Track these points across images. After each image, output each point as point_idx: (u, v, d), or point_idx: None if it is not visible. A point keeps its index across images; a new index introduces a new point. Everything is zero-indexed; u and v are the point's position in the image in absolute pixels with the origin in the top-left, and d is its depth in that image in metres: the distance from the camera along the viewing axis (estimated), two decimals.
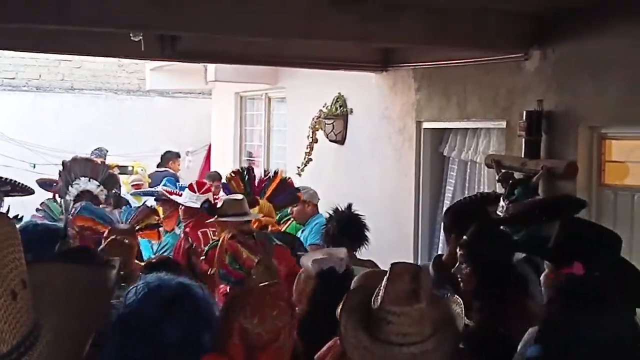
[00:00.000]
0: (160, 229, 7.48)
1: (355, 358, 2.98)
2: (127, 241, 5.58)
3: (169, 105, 16.75)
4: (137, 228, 6.63)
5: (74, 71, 16.40)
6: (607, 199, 6.41)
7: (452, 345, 3.04)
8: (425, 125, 8.55)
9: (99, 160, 9.35)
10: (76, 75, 16.44)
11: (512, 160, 6.93)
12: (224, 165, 13.12)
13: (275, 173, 7.96)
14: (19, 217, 6.82)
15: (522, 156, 6.78)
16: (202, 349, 3.00)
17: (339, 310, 3.19)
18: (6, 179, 7.44)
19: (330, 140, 9.93)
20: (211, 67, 11.74)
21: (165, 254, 7.60)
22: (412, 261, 8.29)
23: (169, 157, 13.40)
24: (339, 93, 9.87)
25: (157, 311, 2.93)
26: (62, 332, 2.02)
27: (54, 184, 8.65)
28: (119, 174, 11.64)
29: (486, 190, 7.08)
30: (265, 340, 3.07)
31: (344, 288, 4.00)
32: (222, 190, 7.95)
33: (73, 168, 8.11)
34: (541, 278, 4.18)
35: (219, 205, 6.94)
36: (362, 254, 6.23)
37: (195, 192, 7.84)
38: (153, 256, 6.14)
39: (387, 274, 3.04)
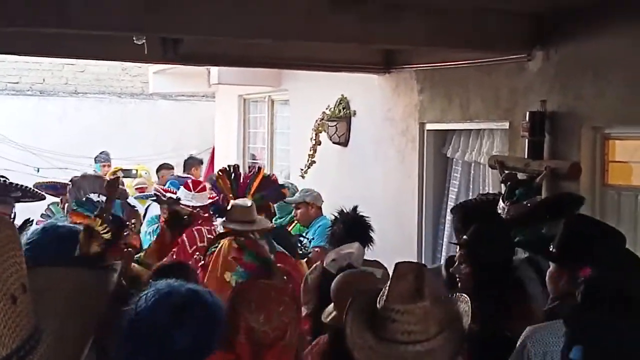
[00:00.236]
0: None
1: (362, 358, 2.98)
2: (129, 248, 5.58)
3: (172, 108, 16.77)
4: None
5: (78, 75, 16.42)
6: (611, 199, 6.40)
7: (458, 344, 3.04)
8: (429, 126, 8.55)
9: (107, 178, 9.35)
10: (80, 79, 16.47)
11: (515, 161, 6.93)
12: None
13: (259, 169, 7.98)
14: (30, 220, 6.83)
15: (526, 157, 6.78)
16: (212, 354, 3.00)
17: (345, 312, 3.19)
18: (17, 184, 7.45)
19: (334, 142, 9.92)
20: (214, 70, 11.75)
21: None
22: (415, 261, 8.30)
23: (192, 163, 13.28)
24: (342, 95, 9.87)
25: (167, 318, 2.93)
26: (63, 336, 2.02)
27: (58, 187, 8.63)
28: (123, 177, 11.64)
29: (491, 192, 7.06)
30: (272, 337, 3.07)
31: None
32: (212, 189, 7.96)
33: (82, 185, 8.09)
34: (546, 277, 4.17)
35: (228, 207, 6.92)
36: (366, 255, 6.24)
37: (190, 191, 7.85)
38: (165, 260, 6.11)
39: (392, 273, 3.05)
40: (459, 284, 4.57)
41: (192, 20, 6.03)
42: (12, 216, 7.03)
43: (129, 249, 5.57)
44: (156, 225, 8.51)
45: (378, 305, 2.99)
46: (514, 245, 5.00)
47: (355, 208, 6.53)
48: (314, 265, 5.82)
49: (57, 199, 8.78)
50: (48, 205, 8.78)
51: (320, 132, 10.20)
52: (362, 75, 9.26)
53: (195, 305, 3.00)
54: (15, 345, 1.83)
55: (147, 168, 13.80)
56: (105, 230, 5.74)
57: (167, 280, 3.15)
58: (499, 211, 6.06)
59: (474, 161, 8.07)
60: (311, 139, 10.35)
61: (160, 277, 3.49)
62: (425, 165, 8.64)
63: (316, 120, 10.21)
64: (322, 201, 8.75)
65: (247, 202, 6.89)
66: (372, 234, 6.41)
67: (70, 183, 8.11)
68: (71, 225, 5.00)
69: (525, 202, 5.94)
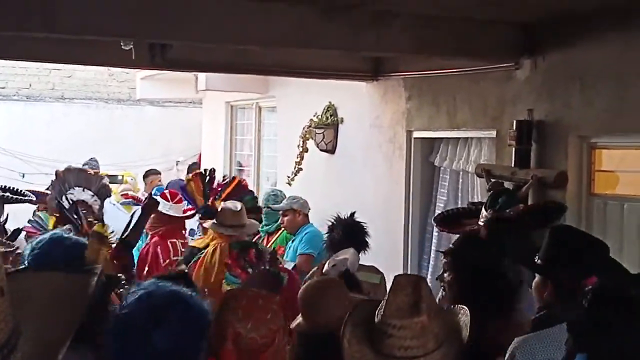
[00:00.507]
0: None
1: None
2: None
3: (159, 114, 16.73)
4: None
5: (65, 80, 16.36)
6: (597, 208, 6.41)
7: (457, 358, 3.03)
8: (416, 134, 8.55)
9: (91, 171, 9.29)
10: (67, 84, 16.41)
11: (502, 169, 6.94)
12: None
13: (233, 178, 8.01)
14: (20, 230, 6.81)
15: (513, 166, 6.79)
16: (196, 358, 2.98)
17: (343, 324, 3.18)
18: (4, 186, 7.44)
19: (321, 150, 9.92)
20: (202, 76, 11.72)
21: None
22: (401, 268, 8.32)
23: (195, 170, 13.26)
24: (330, 102, 9.87)
25: (146, 318, 2.92)
26: (40, 341, 2.01)
27: (40, 196, 8.57)
28: (109, 183, 11.61)
29: (481, 201, 7.06)
30: (260, 344, 3.06)
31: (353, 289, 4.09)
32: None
33: (67, 178, 8.06)
34: (533, 287, 4.17)
35: (219, 210, 6.91)
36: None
37: (168, 201, 7.84)
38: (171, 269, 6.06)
39: (390, 286, 3.04)
40: (445, 293, 4.58)
41: (180, 26, 6.01)
42: (5, 219, 7.01)
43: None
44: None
45: (376, 319, 2.97)
46: (503, 254, 5.00)
47: (352, 214, 6.60)
48: (311, 271, 5.85)
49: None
50: (34, 212, 8.73)
51: (308, 139, 10.20)
52: (350, 82, 9.26)
53: (175, 306, 2.98)
54: None
55: (134, 174, 13.77)
56: (112, 236, 5.74)
57: (154, 281, 3.14)
58: (481, 220, 6.07)
59: (462, 170, 8.07)
60: (298, 146, 10.35)
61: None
62: (412, 172, 8.65)
63: (304, 128, 10.21)
64: (309, 208, 8.74)
65: (237, 205, 6.88)
66: (368, 240, 6.47)
67: (55, 176, 8.09)
68: (78, 238, 5.00)
69: (507, 211, 5.96)
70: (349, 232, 6.38)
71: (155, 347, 2.87)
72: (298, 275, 6.52)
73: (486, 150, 7.67)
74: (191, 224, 8.64)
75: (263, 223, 8.94)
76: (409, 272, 8.39)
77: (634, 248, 5.99)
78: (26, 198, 7.84)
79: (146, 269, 7.24)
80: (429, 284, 5.11)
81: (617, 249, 5.74)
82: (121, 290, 3.65)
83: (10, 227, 6.85)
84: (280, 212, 8.74)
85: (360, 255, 6.25)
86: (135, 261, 7.35)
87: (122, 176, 13.66)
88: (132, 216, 9.67)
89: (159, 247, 7.46)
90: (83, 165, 12.76)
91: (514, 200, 6.17)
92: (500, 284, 4.63)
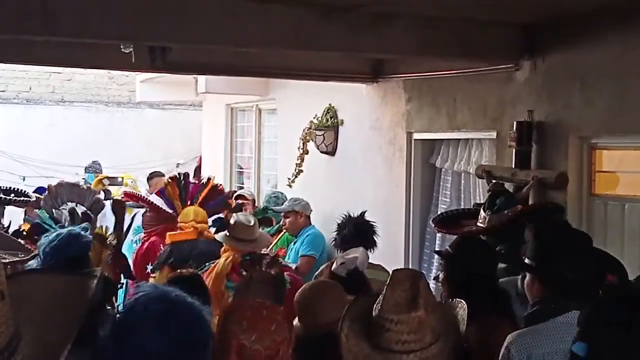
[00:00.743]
0: None
1: None
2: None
3: (159, 117, 16.75)
4: None
5: (65, 83, 16.40)
6: (598, 209, 6.41)
7: (454, 352, 3.04)
8: (416, 136, 8.55)
9: (85, 186, 9.30)
10: (66, 87, 16.44)
11: (502, 170, 6.93)
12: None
13: (208, 179, 8.02)
14: (21, 230, 6.81)
15: (513, 167, 6.79)
16: None
17: (341, 319, 3.19)
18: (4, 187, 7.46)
19: (321, 152, 9.92)
20: (202, 78, 11.73)
21: None
22: None
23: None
24: (330, 104, 9.87)
25: (142, 322, 2.91)
26: (40, 344, 2.01)
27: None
28: (109, 185, 11.62)
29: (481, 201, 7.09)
30: (264, 356, 3.06)
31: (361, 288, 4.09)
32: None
33: (59, 193, 8.04)
34: (525, 285, 4.17)
35: (231, 222, 6.87)
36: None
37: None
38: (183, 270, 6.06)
39: (388, 281, 3.05)
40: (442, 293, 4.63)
41: (180, 28, 6.01)
42: (8, 224, 7.02)
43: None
44: (141, 234, 8.49)
45: (373, 314, 2.99)
46: (497, 258, 5.02)
47: (363, 213, 6.81)
48: (320, 269, 5.87)
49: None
50: (35, 211, 8.73)
51: (308, 141, 10.20)
52: (350, 84, 9.27)
53: (173, 312, 2.97)
54: None
55: (134, 177, 13.78)
56: (112, 238, 5.77)
57: (155, 285, 3.13)
58: (480, 221, 6.07)
59: (464, 171, 8.07)
60: (299, 148, 10.35)
61: (172, 285, 3.50)
62: (413, 174, 8.64)
63: (304, 130, 10.21)
64: (311, 210, 8.76)
65: (251, 219, 6.84)
66: (376, 239, 6.69)
67: (47, 191, 8.08)
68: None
69: (506, 212, 5.96)
70: (359, 231, 6.56)
71: (152, 353, 2.86)
72: (300, 276, 6.55)
73: (487, 152, 7.66)
74: None
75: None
76: None
77: (635, 248, 5.98)
78: (21, 199, 7.85)
79: (148, 267, 7.25)
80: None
81: (618, 249, 5.75)
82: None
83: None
84: (282, 214, 8.75)
85: (369, 253, 6.32)
86: (131, 261, 7.39)
87: (122, 178, 13.66)
88: (132, 218, 9.71)
89: (161, 245, 7.47)
90: (86, 168, 12.80)
91: (512, 201, 6.17)
92: (494, 285, 4.66)
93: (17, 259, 4.14)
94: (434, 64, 7.76)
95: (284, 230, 8.91)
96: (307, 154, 10.29)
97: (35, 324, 2.02)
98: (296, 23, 6.17)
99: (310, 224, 8.76)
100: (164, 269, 6.93)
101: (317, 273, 5.82)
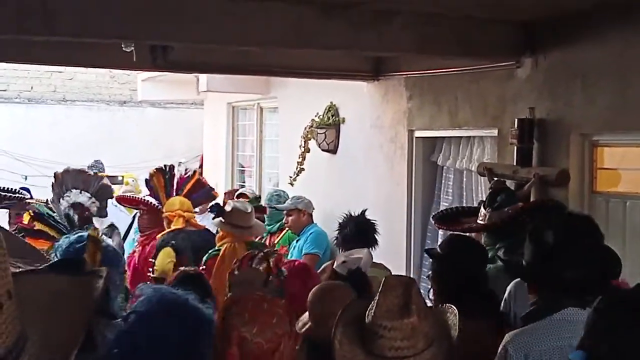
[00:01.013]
0: None
1: None
2: None
3: (161, 115, 16.76)
4: None
5: (66, 82, 16.41)
6: (600, 207, 6.40)
7: (447, 357, 3.05)
8: (417, 133, 8.55)
9: (91, 172, 9.32)
10: (68, 86, 16.46)
11: (504, 168, 6.93)
12: (217, 175, 13.10)
13: (194, 172, 8.10)
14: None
15: (514, 164, 6.78)
16: None
17: (334, 324, 3.19)
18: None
19: (323, 150, 9.92)
20: (203, 77, 11.73)
21: None
22: (404, 269, 8.32)
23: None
24: (331, 102, 9.87)
25: (151, 323, 2.94)
26: (47, 344, 2.01)
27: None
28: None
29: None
30: (265, 349, 3.06)
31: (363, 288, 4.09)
32: (146, 186, 8.10)
33: (65, 180, 8.08)
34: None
35: (227, 209, 6.95)
36: None
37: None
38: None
39: (380, 287, 3.05)
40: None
41: (180, 27, 6.01)
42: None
43: None
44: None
45: (366, 320, 2.99)
46: (486, 259, 5.02)
47: (364, 212, 6.82)
48: (323, 267, 5.88)
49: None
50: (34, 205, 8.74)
51: (309, 140, 10.21)
52: (351, 82, 9.27)
53: (180, 313, 3.00)
54: (1, 352, 1.81)
55: (135, 175, 13.79)
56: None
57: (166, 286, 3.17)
58: (480, 218, 6.07)
59: (465, 169, 8.07)
60: (300, 146, 10.35)
61: (180, 285, 3.57)
62: (414, 172, 8.64)
63: (305, 128, 10.21)
64: (313, 208, 8.76)
65: (248, 207, 6.93)
66: (377, 237, 6.71)
67: (54, 178, 8.11)
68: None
69: (506, 209, 5.95)
70: (360, 229, 6.57)
71: (160, 346, 2.89)
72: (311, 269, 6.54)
73: (488, 149, 7.66)
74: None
75: (265, 223, 8.97)
76: (411, 272, 8.41)
77: (637, 246, 5.98)
78: (15, 196, 7.87)
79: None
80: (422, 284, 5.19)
81: (620, 246, 5.72)
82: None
83: None
84: (285, 211, 8.76)
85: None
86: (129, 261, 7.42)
87: (122, 177, 13.69)
88: (133, 217, 9.71)
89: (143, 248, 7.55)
90: (88, 167, 12.81)
91: (513, 198, 6.16)
92: (483, 285, 4.67)
93: (32, 267, 4.16)
94: (435, 62, 7.75)
95: (286, 229, 8.92)
96: (308, 152, 10.29)
97: (39, 325, 2.02)
98: (296, 21, 6.16)
99: (313, 222, 8.77)
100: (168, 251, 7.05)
101: (319, 270, 5.84)
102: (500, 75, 7.17)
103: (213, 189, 8.55)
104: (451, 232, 6.14)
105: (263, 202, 9.57)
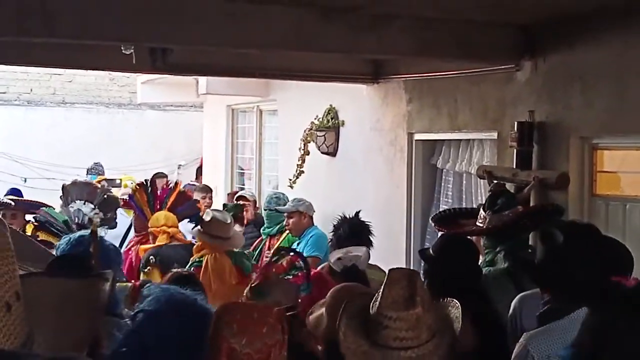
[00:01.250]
0: None
1: None
2: None
3: (160, 118, 16.77)
4: None
5: (66, 85, 16.42)
6: (599, 210, 6.41)
7: (449, 349, 3.09)
8: (417, 136, 8.56)
9: (98, 184, 9.36)
10: (67, 89, 16.47)
11: (503, 171, 6.94)
12: (216, 178, 13.11)
13: (176, 184, 8.08)
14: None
15: (514, 167, 6.79)
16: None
17: (338, 317, 3.22)
18: None
19: (322, 153, 9.92)
20: (202, 80, 11.74)
21: None
22: None
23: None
24: (331, 105, 9.88)
25: (159, 323, 2.98)
26: (55, 346, 2.02)
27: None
28: (108, 187, 11.63)
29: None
30: None
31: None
32: (130, 201, 8.09)
33: (71, 191, 8.12)
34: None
35: (206, 218, 6.94)
36: None
37: None
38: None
39: (385, 279, 3.09)
40: None
41: (180, 29, 6.02)
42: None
43: None
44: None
45: (371, 311, 3.04)
46: (475, 261, 5.03)
47: (357, 213, 6.86)
48: (322, 265, 5.88)
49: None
50: (42, 209, 8.75)
51: (309, 142, 10.21)
52: (351, 85, 9.28)
53: (183, 307, 3.04)
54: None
55: (134, 178, 13.79)
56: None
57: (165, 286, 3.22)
58: (479, 221, 6.08)
59: (465, 172, 8.08)
60: (300, 149, 10.35)
61: (174, 283, 3.60)
62: (414, 175, 8.65)
63: (305, 130, 10.22)
64: (314, 211, 8.76)
65: (227, 218, 6.93)
66: (372, 239, 6.74)
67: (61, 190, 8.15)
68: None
69: (507, 212, 5.96)
70: (354, 231, 6.59)
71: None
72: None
73: (488, 152, 7.67)
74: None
75: (265, 226, 8.97)
76: None
77: (636, 249, 5.96)
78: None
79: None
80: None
81: None
82: None
83: None
84: (285, 214, 8.75)
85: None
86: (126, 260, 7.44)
87: (121, 180, 13.69)
88: (132, 220, 9.72)
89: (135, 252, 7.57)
90: (88, 170, 12.83)
91: (513, 201, 6.17)
92: (474, 287, 4.67)
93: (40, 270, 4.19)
94: (435, 65, 7.77)
95: (286, 231, 8.91)
96: (308, 155, 10.29)
97: (47, 326, 2.03)
98: (296, 24, 6.17)
99: (313, 224, 8.77)
100: (154, 270, 7.03)
101: (318, 269, 5.84)
102: (500, 78, 7.18)
103: (197, 202, 8.57)
104: (445, 234, 6.15)
105: (262, 205, 9.57)
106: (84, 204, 7.96)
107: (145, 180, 8.06)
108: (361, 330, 3.07)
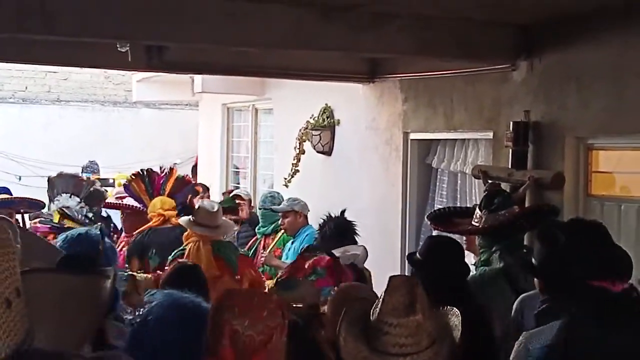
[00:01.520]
0: None
1: None
2: None
3: (155, 116, 16.76)
4: None
5: (61, 83, 16.40)
6: (594, 210, 6.42)
7: (449, 356, 3.10)
8: (412, 136, 8.57)
9: (85, 177, 9.35)
10: (63, 87, 16.45)
11: (499, 170, 6.95)
12: (211, 177, 13.11)
13: (171, 169, 8.08)
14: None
15: (509, 167, 6.80)
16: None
17: (339, 322, 3.24)
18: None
19: (318, 152, 9.93)
20: (198, 78, 11.73)
21: None
22: (398, 270, 8.33)
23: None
24: (326, 104, 9.89)
25: (162, 328, 3.01)
26: (54, 342, 2.02)
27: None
28: (101, 186, 11.63)
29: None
30: (257, 342, 3.08)
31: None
32: (125, 191, 8.10)
33: (56, 184, 8.10)
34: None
35: (196, 208, 6.96)
36: None
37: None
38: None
39: (386, 286, 3.12)
40: None
41: (179, 28, 6.02)
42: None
43: None
44: None
45: (372, 317, 3.07)
46: (462, 261, 5.03)
47: (343, 212, 6.95)
48: None
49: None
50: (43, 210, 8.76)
51: (304, 141, 10.22)
52: (347, 84, 9.28)
53: (186, 315, 3.07)
54: (9, 350, 1.83)
55: (128, 177, 13.78)
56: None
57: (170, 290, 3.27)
58: (475, 220, 6.08)
59: (460, 171, 8.09)
60: (295, 148, 10.36)
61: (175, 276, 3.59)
62: (409, 174, 8.66)
63: (300, 129, 10.23)
64: (309, 210, 8.76)
65: (215, 206, 6.92)
66: (357, 238, 6.80)
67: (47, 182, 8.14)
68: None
69: (502, 212, 5.97)
70: (340, 230, 6.70)
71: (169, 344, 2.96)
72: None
73: (483, 152, 7.68)
74: None
75: (260, 225, 8.96)
76: (405, 274, 8.41)
77: (631, 249, 5.96)
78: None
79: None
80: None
81: None
82: None
83: None
84: (280, 213, 8.75)
85: None
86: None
87: (114, 179, 13.67)
88: None
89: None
90: (83, 168, 12.82)
91: (508, 201, 6.17)
92: (462, 290, 4.68)
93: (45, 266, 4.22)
94: (431, 64, 7.77)
95: (281, 230, 8.91)
96: (303, 153, 10.30)
97: (48, 323, 2.03)
98: (296, 23, 6.18)
99: (308, 223, 8.77)
100: (133, 260, 7.04)
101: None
102: (496, 78, 7.19)
103: (195, 186, 8.53)
104: (430, 236, 6.18)
105: (257, 204, 9.57)
106: (70, 197, 7.95)
107: (142, 170, 8.05)
108: (361, 337, 3.10)
